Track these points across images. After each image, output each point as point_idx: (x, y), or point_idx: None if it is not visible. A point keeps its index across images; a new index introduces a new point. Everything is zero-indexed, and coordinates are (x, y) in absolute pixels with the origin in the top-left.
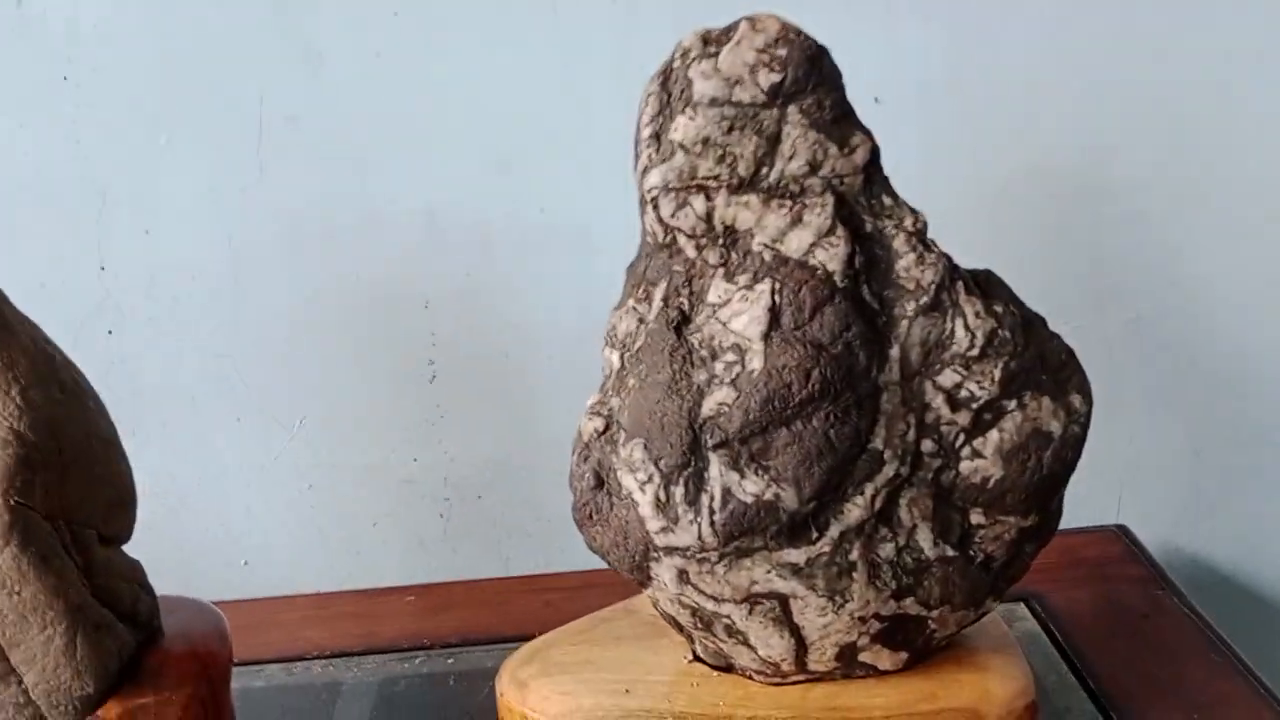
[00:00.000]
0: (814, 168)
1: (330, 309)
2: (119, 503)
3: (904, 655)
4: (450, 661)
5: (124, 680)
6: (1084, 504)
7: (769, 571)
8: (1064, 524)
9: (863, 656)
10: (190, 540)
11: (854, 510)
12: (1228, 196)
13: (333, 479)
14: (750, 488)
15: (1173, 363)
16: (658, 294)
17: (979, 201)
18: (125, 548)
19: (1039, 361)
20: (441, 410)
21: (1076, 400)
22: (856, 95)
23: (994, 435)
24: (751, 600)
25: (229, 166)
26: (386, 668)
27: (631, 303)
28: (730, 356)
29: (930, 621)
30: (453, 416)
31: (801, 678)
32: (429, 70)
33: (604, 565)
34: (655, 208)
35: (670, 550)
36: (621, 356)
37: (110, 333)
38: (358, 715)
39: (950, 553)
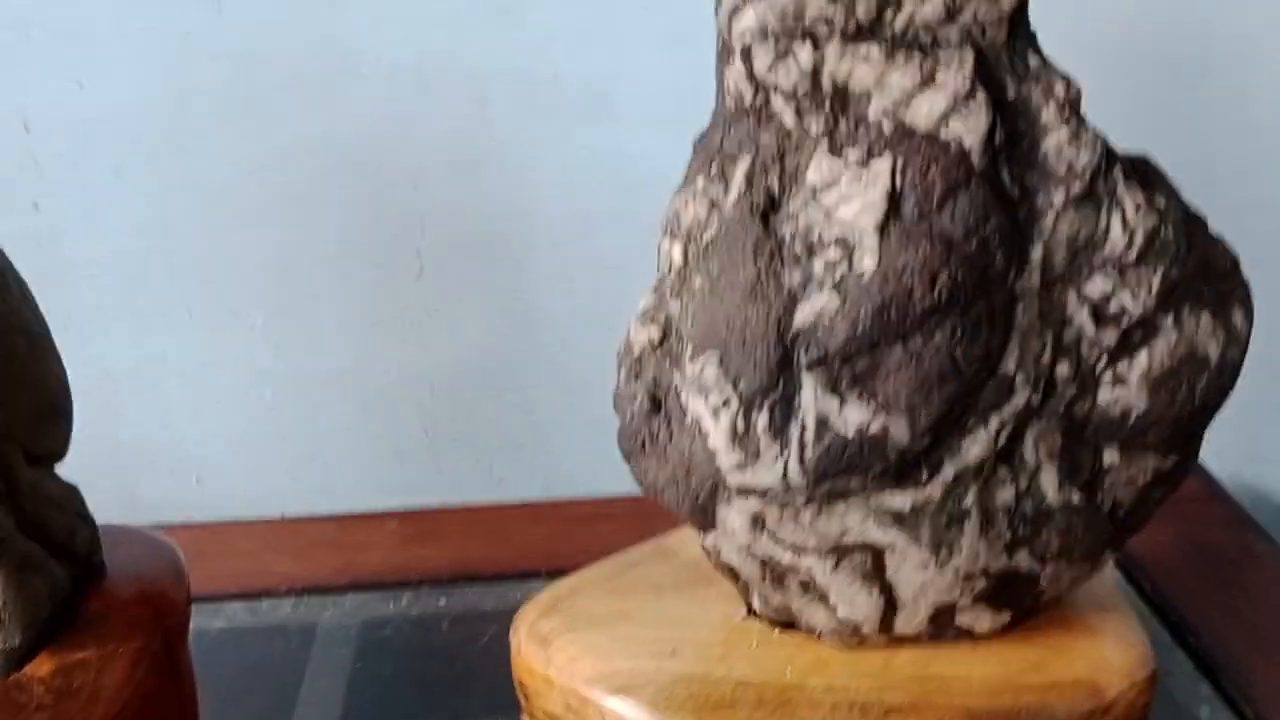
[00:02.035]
0: (951, 13)
1: (298, 180)
2: (49, 412)
3: (1006, 617)
4: (442, 602)
5: (58, 629)
6: None
7: (866, 519)
8: None
9: (960, 619)
10: (130, 452)
11: (974, 447)
12: None
13: (298, 383)
14: (853, 417)
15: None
16: (738, 172)
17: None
18: (59, 468)
19: (1202, 269)
20: (429, 308)
21: (1238, 317)
22: None
23: (1142, 358)
24: (840, 552)
25: (178, 2)
26: (369, 607)
27: (701, 182)
28: (834, 253)
29: (1042, 579)
30: (441, 316)
31: (881, 641)
32: None
33: (615, 493)
34: (747, 59)
35: (746, 491)
36: (685, 250)
37: (36, 206)
38: (338, 663)
39: (1076, 499)
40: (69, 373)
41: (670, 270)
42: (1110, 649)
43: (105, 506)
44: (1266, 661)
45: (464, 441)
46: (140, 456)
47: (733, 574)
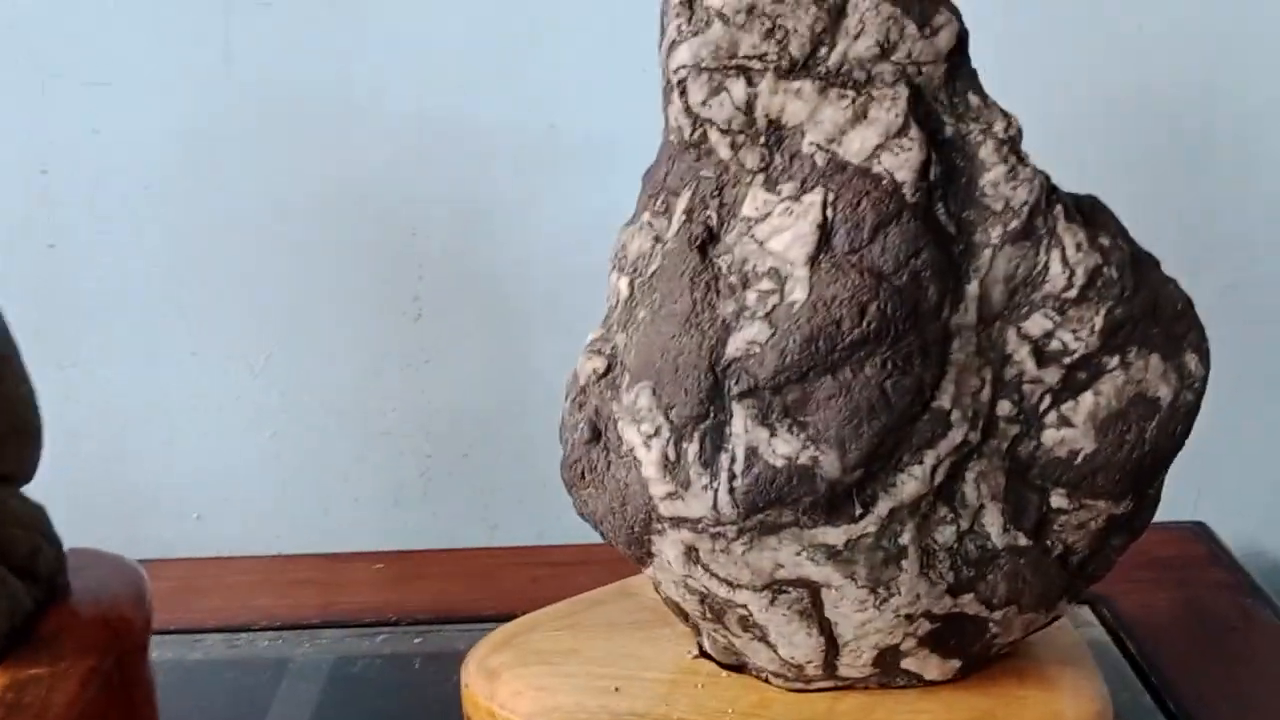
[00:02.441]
0: (885, 51)
1: (303, 228)
2: (16, 433)
3: (955, 664)
4: (418, 640)
5: (15, 645)
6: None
7: (799, 553)
8: None
9: (906, 663)
10: (135, 488)
11: (909, 483)
12: None
13: (300, 426)
14: (782, 448)
15: (1268, 338)
16: (679, 205)
17: (1060, 130)
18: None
19: (1150, 310)
20: (427, 352)
21: (1192, 361)
22: None
23: (1088, 399)
24: (775, 588)
25: (191, 53)
26: (344, 644)
27: (647, 216)
28: (766, 284)
29: (991, 624)
30: (439, 360)
31: (829, 684)
32: None
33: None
34: (683, 94)
35: (677, 521)
36: (631, 283)
37: (52, 246)
38: (304, 698)
39: (1023, 541)
40: (78, 410)
41: (618, 303)
42: (1066, 703)
43: (109, 540)
44: None
45: (460, 488)
46: (144, 494)
47: (679, 610)
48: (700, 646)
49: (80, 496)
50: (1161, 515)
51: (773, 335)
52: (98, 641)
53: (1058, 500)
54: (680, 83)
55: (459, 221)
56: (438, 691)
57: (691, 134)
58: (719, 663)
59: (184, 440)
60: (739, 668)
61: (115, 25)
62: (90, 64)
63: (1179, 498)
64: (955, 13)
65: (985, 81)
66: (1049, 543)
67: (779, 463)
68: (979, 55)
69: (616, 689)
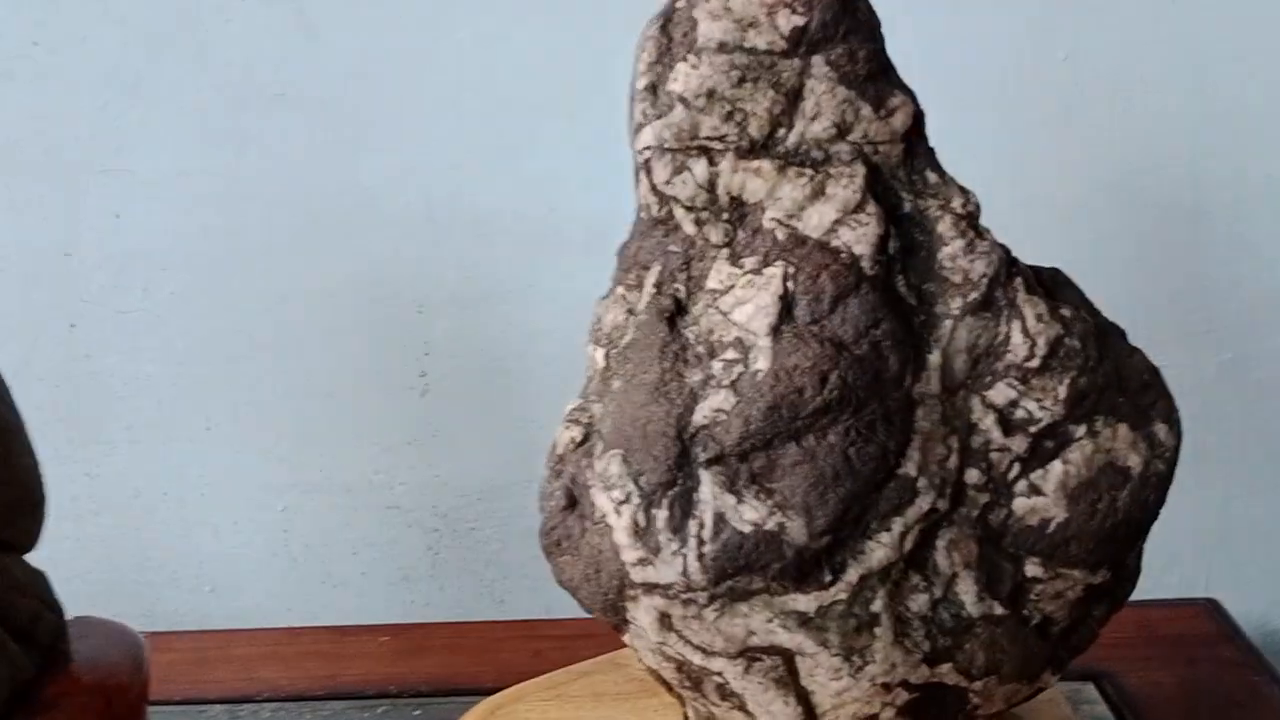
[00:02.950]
0: (842, 131)
1: (314, 309)
2: (20, 505)
3: None
4: (417, 713)
5: (15, 709)
6: (1168, 573)
7: (770, 620)
8: (1145, 595)
9: None
10: (151, 561)
11: (878, 550)
12: None
13: (310, 501)
14: (749, 514)
15: (1275, 411)
16: (650, 279)
17: (1056, 214)
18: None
19: (1115, 380)
20: (433, 429)
21: (1161, 431)
22: (924, 86)
23: (1057, 468)
24: (749, 655)
25: (209, 148)
26: (345, 716)
27: (620, 290)
28: (731, 354)
29: (972, 694)
30: (445, 436)
31: None
32: (432, 48)
33: None
34: (649, 173)
35: (649, 588)
36: (607, 354)
37: (73, 326)
38: None
39: (999, 610)
40: (97, 485)
41: (595, 373)
42: None
43: (125, 610)
44: None
45: (467, 562)
46: (161, 568)
47: (661, 679)
48: (685, 717)
49: (99, 570)
50: (1172, 592)
51: (738, 403)
52: (95, 708)
53: (1032, 569)
54: (646, 162)
55: (463, 301)
56: None
57: (659, 211)
58: None
59: (198, 516)
60: None
61: (136, 117)
62: (112, 152)
63: (1190, 575)
64: (910, 96)
65: (980, 167)
66: (1026, 612)
67: (746, 529)
68: (979, 143)
69: None
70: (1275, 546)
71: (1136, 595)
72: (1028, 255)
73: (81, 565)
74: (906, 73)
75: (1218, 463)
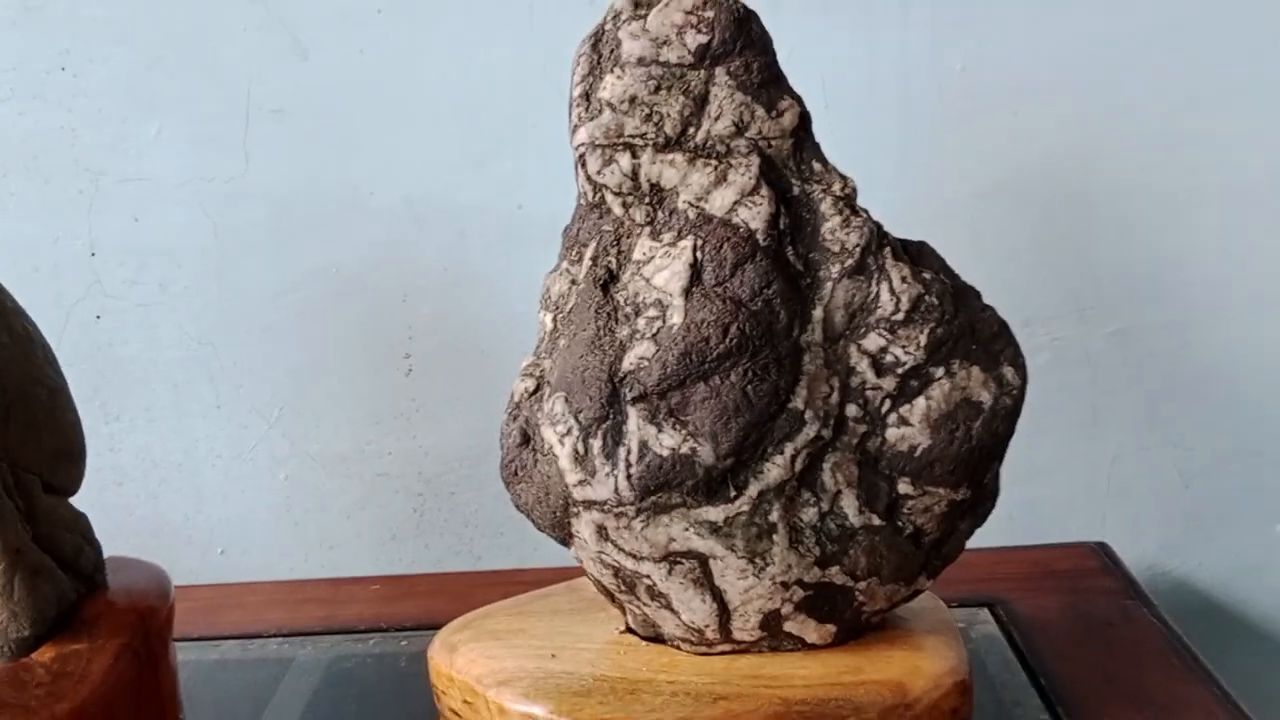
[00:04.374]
0: (740, 129)
1: (310, 299)
2: (65, 453)
3: (831, 628)
4: (404, 643)
5: (61, 627)
6: (1067, 522)
7: (687, 529)
8: (1042, 539)
9: (788, 626)
10: (167, 526)
11: (773, 470)
12: (1217, 205)
13: (308, 470)
14: (667, 441)
15: (1159, 377)
16: (588, 254)
17: (959, 209)
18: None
19: (969, 330)
20: (417, 404)
21: (1009, 372)
22: (832, 95)
23: (921, 402)
24: (671, 559)
25: (217, 156)
26: (340, 647)
27: (565, 264)
28: (652, 312)
29: (858, 593)
30: (428, 410)
31: (728, 647)
32: (411, 66)
33: (574, 563)
34: (584, 165)
35: (589, 504)
36: (554, 318)
37: (98, 317)
38: (305, 687)
39: (876, 521)
40: (121, 458)
41: (544, 335)
42: (924, 660)
43: None
44: (1111, 703)
45: (449, 523)
46: (176, 532)
47: (604, 589)
48: (627, 624)
49: (121, 535)
50: (1068, 536)
51: (657, 351)
52: (128, 625)
53: (904, 487)
54: (581, 157)
55: (443, 289)
56: (417, 684)
57: (593, 197)
58: (641, 635)
59: (209, 485)
60: (657, 639)
61: (152, 130)
62: (132, 163)
63: (1086, 524)
64: (797, 99)
65: (889, 166)
66: (900, 523)
67: (665, 453)
68: (888, 145)
69: (553, 656)
70: (1161, 497)
71: (1035, 540)
72: (935, 242)
73: (105, 531)
74: (824, 84)
75: (1107, 423)
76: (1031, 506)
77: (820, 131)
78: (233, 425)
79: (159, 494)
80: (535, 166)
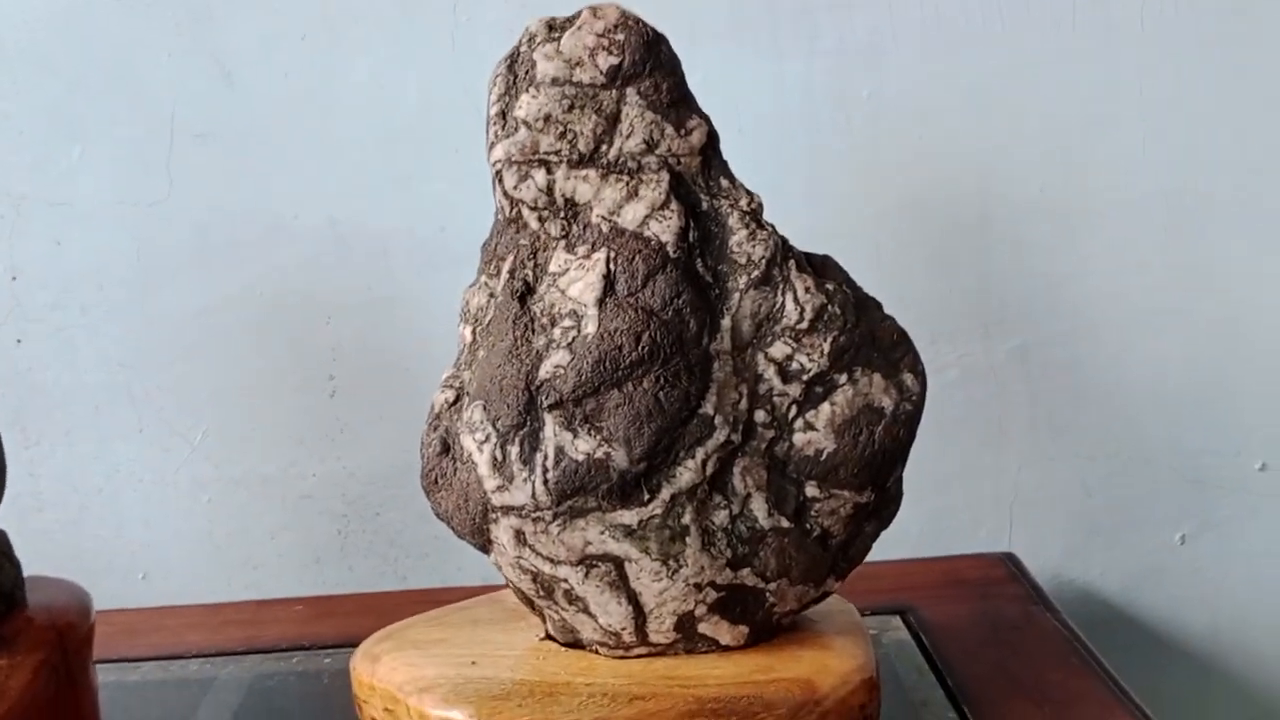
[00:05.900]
0: (651, 146)
1: (234, 321)
2: None
3: (744, 630)
4: (327, 661)
5: None
6: (975, 532)
7: (602, 533)
8: (951, 549)
9: (702, 628)
10: (88, 551)
11: (685, 474)
12: (1109, 223)
13: (232, 492)
14: (582, 446)
15: (1059, 389)
16: (505, 267)
17: (861, 229)
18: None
19: (870, 339)
20: (341, 424)
21: (909, 379)
22: (746, 120)
23: (825, 408)
24: (587, 563)
25: (139, 180)
26: (263, 666)
27: (484, 279)
28: (568, 322)
29: (769, 594)
30: (352, 431)
31: (644, 650)
32: (334, 90)
33: (500, 581)
34: (500, 181)
35: (507, 510)
36: (473, 330)
37: (19, 341)
38: (227, 706)
39: (785, 524)
40: (40, 483)
41: (464, 347)
42: (833, 658)
43: None
44: (1012, 697)
45: (373, 544)
46: (98, 557)
47: (523, 596)
48: (546, 631)
49: (42, 560)
50: (976, 546)
51: (572, 360)
52: (48, 641)
53: (811, 490)
54: (498, 173)
55: (367, 310)
56: (342, 699)
57: (510, 212)
58: (560, 642)
59: (131, 509)
60: (576, 645)
61: (75, 155)
62: (54, 187)
63: (994, 534)
64: (705, 119)
65: (799, 186)
66: (808, 526)
67: (580, 458)
68: (798, 167)
69: (473, 663)
70: (1065, 506)
71: (945, 551)
72: (842, 260)
73: (25, 557)
74: (737, 109)
75: (1012, 436)
76: (940, 518)
77: (733, 153)
78: (155, 449)
79: (80, 519)
80: (457, 189)
